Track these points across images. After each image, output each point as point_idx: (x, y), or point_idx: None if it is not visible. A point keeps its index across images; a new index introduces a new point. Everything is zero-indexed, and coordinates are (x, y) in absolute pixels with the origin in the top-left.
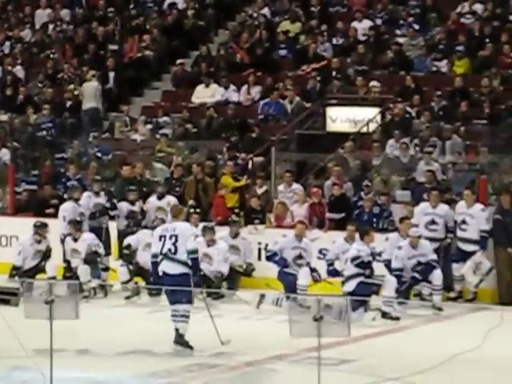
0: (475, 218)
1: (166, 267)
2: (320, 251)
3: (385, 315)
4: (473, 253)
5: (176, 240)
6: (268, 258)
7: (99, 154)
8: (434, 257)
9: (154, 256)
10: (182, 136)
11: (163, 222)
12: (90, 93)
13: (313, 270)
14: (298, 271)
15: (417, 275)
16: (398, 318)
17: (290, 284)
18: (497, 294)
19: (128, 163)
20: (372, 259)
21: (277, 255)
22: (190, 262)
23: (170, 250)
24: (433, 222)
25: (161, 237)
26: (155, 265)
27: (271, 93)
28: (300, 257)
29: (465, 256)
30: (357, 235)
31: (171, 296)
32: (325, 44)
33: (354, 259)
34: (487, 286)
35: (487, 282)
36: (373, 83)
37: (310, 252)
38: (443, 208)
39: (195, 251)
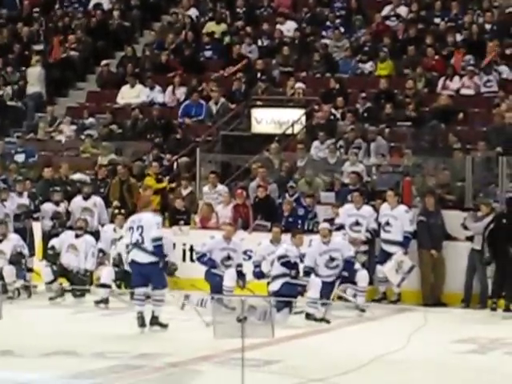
0: (399, 219)
1: (135, 256)
2: (245, 252)
3: (309, 316)
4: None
5: (142, 231)
6: (197, 260)
7: (22, 156)
8: (351, 253)
9: (127, 246)
10: (107, 137)
11: (86, 222)
12: (34, 77)
13: (240, 275)
14: (225, 272)
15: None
16: (321, 320)
17: (216, 285)
18: (420, 296)
19: (49, 165)
20: (299, 261)
21: (205, 256)
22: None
23: (137, 240)
24: (357, 224)
25: (129, 228)
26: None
27: (199, 94)
28: (229, 258)
29: (388, 257)
30: (283, 236)
31: (144, 282)
32: (251, 45)
33: (280, 257)
34: (411, 288)
35: (411, 283)
36: (298, 85)
37: (240, 253)
38: (367, 209)
39: (158, 239)
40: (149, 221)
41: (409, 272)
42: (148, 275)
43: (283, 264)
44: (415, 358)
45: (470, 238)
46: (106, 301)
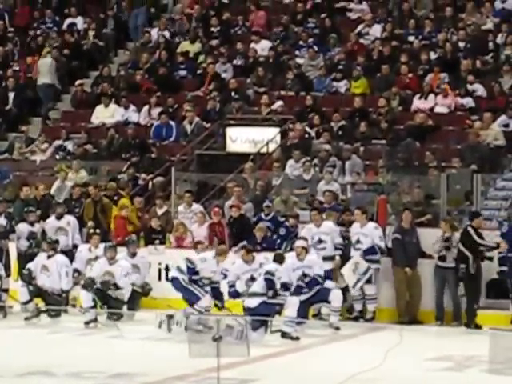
0: (369, 236)
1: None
2: (220, 271)
3: (285, 335)
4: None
5: None
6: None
7: None
8: (321, 272)
9: None
10: (82, 156)
11: (55, 243)
12: (45, 69)
13: (219, 294)
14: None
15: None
16: (298, 338)
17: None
18: (395, 314)
19: (27, 184)
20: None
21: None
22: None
23: None
24: (320, 241)
25: None
26: None
27: (175, 113)
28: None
29: None
30: (257, 256)
31: None
32: (225, 64)
33: (268, 273)
34: (386, 306)
35: (386, 301)
36: (278, 103)
37: (218, 272)
38: (328, 225)
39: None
40: None
41: (364, 274)
42: None
43: (266, 280)
44: (391, 375)
45: (443, 258)
46: (94, 320)
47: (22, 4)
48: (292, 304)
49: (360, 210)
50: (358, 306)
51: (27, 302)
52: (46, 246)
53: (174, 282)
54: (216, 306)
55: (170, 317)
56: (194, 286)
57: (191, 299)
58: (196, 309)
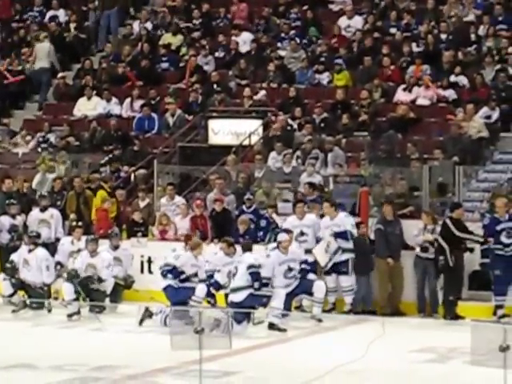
0: (341, 225)
1: None
2: (203, 267)
3: (272, 326)
4: (344, 261)
5: None
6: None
7: None
8: (309, 258)
9: None
10: (65, 149)
11: (36, 237)
12: (43, 53)
13: (210, 293)
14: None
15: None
16: (285, 330)
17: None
18: (378, 305)
19: (9, 177)
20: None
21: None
22: None
23: None
24: (302, 234)
25: None
26: None
27: (157, 106)
28: (195, 275)
29: (336, 267)
30: (239, 249)
31: None
32: (207, 57)
33: (250, 266)
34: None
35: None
36: (262, 92)
37: (203, 269)
38: (310, 218)
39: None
40: None
41: (335, 253)
42: None
43: (251, 274)
44: (374, 367)
45: (425, 249)
46: (77, 313)
47: None
48: (279, 296)
49: (328, 203)
50: (331, 299)
51: (11, 295)
52: (27, 239)
53: (168, 289)
54: (208, 302)
55: (147, 311)
56: (186, 283)
57: (189, 294)
58: (194, 300)
